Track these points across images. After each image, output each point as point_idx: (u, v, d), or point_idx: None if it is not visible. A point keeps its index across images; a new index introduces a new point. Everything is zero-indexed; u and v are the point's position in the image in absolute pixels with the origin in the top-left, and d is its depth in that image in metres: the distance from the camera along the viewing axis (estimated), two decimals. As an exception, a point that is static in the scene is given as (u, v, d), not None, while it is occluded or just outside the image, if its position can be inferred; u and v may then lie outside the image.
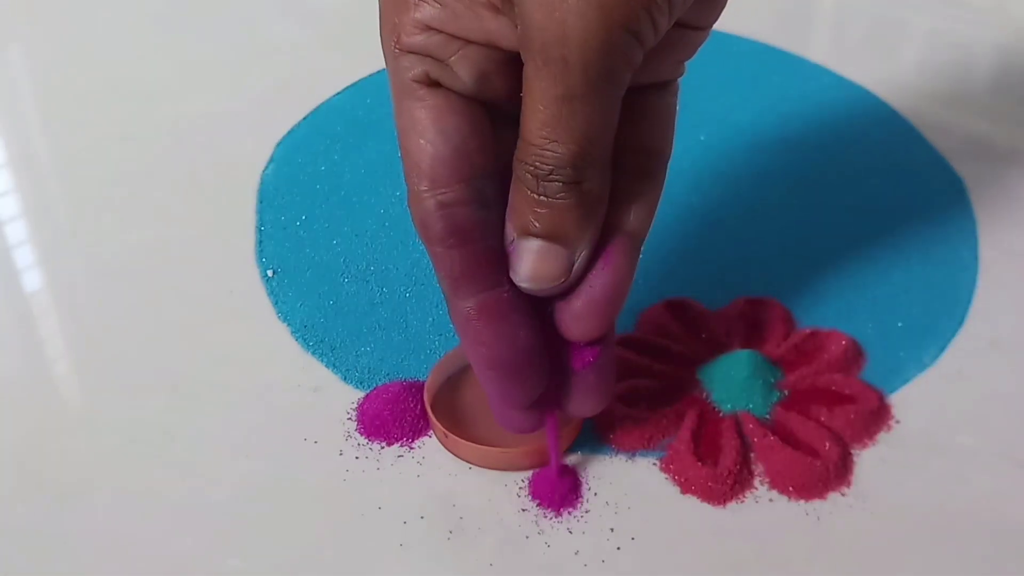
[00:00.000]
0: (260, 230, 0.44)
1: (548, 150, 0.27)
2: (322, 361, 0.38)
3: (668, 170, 0.31)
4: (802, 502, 0.34)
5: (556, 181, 0.27)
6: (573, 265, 0.29)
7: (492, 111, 0.29)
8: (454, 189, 0.28)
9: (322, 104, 0.51)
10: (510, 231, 0.29)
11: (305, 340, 0.39)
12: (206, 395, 0.37)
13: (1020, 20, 0.58)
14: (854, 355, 0.38)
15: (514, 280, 0.29)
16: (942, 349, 0.39)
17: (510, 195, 0.29)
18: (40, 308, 0.41)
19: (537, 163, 0.27)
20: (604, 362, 0.31)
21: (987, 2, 0.60)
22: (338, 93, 0.52)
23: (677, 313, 0.40)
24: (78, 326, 0.40)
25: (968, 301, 0.41)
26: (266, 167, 0.47)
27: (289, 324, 0.40)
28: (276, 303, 0.41)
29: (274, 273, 0.42)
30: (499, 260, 0.29)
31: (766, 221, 0.45)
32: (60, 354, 0.40)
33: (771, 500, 0.34)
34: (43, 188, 0.47)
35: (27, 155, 0.49)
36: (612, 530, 0.33)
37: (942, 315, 0.40)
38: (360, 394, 0.37)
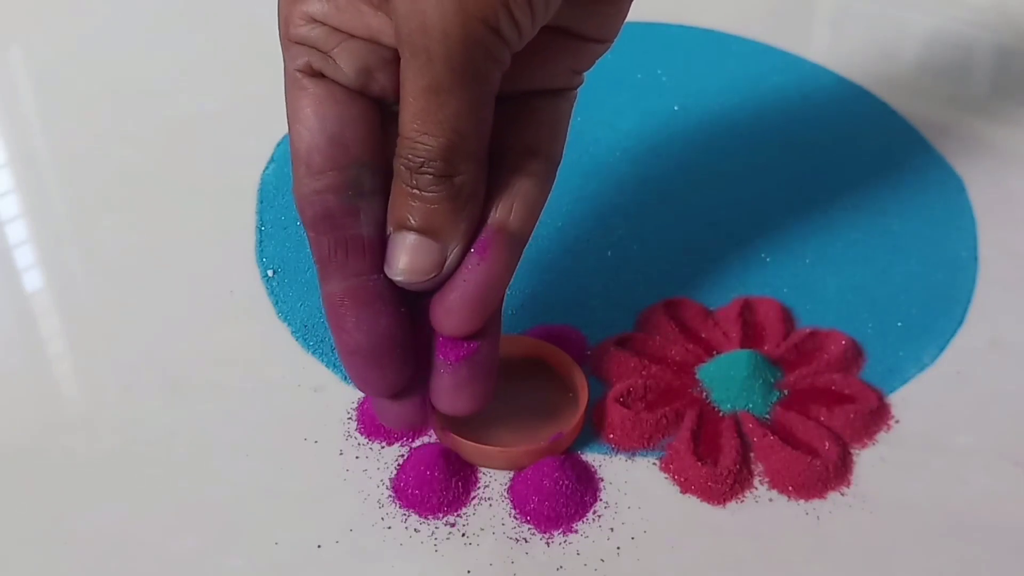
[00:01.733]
0: (260, 230, 0.44)
1: (419, 142, 0.28)
2: (322, 361, 0.38)
3: (556, 176, 0.32)
4: (802, 502, 0.34)
5: (427, 174, 0.28)
6: (446, 260, 0.30)
7: (384, 108, 0.30)
8: (328, 176, 0.29)
9: (322, 104, 0.51)
10: (388, 224, 0.30)
11: (305, 340, 0.39)
12: (206, 395, 0.37)
13: (1019, 20, 0.58)
14: (854, 355, 0.38)
15: (388, 273, 0.30)
16: (941, 349, 0.39)
17: (391, 189, 0.30)
18: (41, 308, 0.41)
19: (410, 156, 0.28)
20: (480, 359, 0.31)
21: (987, 2, 0.60)
22: (338, 93, 0.52)
23: (676, 313, 0.40)
24: (79, 326, 0.40)
25: (967, 301, 0.41)
26: (267, 167, 0.47)
27: (289, 324, 0.40)
28: (276, 303, 0.41)
29: (274, 273, 0.42)
30: (371, 249, 0.30)
31: (766, 221, 0.45)
32: (60, 354, 0.40)
33: (771, 500, 0.34)
34: (44, 188, 0.47)
35: (28, 155, 0.49)
36: (612, 530, 0.33)
37: (941, 315, 0.41)
38: (360, 394, 0.37)
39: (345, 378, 0.38)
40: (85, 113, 0.51)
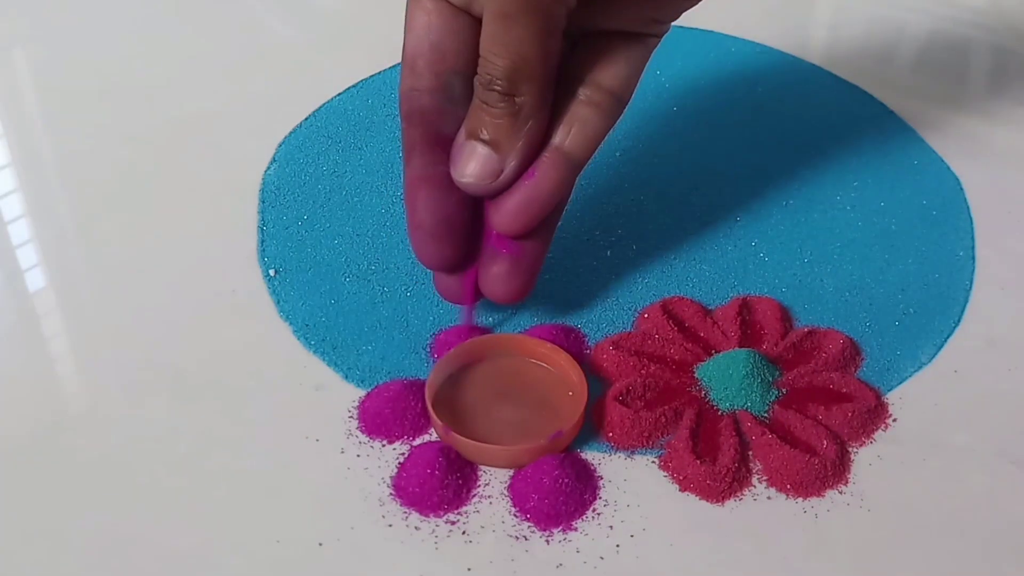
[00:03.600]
0: (262, 230, 0.44)
1: (490, 61, 0.32)
2: (324, 360, 0.38)
3: (623, 114, 0.35)
4: (800, 500, 0.34)
5: (494, 90, 0.32)
6: (503, 171, 0.33)
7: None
8: (426, 79, 0.34)
9: (324, 105, 0.51)
10: (460, 132, 0.34)
11: (307, 339, 0.39)
12: (208, 394, 0.37)
13: (1016, 21, 0.59)
14: (851, 354, 0.39)
15: (454, 176, 0.34)
16: (939, 348, 0.39)
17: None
18: (43, 307, 0.41)
19: (483, 72, 0.32)
20: (523, 258, 0.36)
21: (983, 3, 0.60)
22: (340, 94, 0.52)
23: (675, 312, 0.40)
24: (81, 325, 0.41)
25: (965, 300, 0.41)
26: (268, 167, 0.47)
27: (291, 323, 0.40)
28: (278, 302, 0.41)
29: (276, 272, 0.42)
30: (450, 145, 0.34)
31: (764, 221, 0.45)
32: (63, 353, 0.40)
33: (769, 498, 0.34)
34: (46, 188, 0.48)
35: (30, 155, 0.49)
36: (611, 528, 0.33)
37: (939, 314, 0.41)
38: (361, 393, 0.37)
39: (346, 376, 0.38)
40: (88, 113, 0.51)
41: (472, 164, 0.33)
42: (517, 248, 0.35)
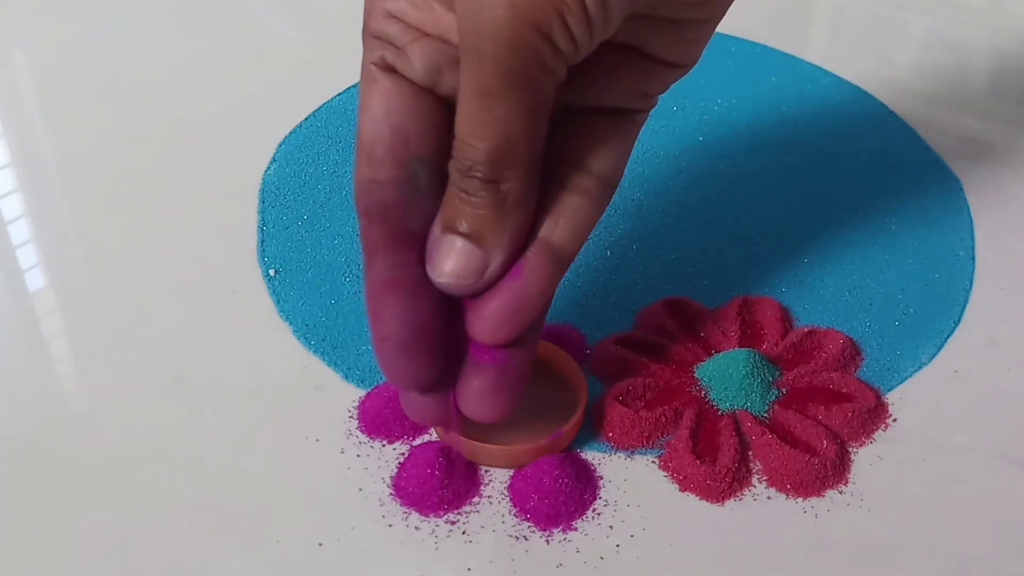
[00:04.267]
0: (262, 230, 0.44)
1: (469, 145, 0.28)
2: (324, 360, 0.38)
3: (613, 198, 0.31)
4: (800, 500, 0.34)
5: (475, 177, 0.28)
6: (487, 268, 0.29)
7: (451, 108, 0.29)
8: (387, 168, 0.29)
9: (324, 104, 0.51)
10: (435, 226, 0.30)
11: (307, 339, 0.39)
12: (208, 394, 0.37)
13: (1017, 21, 0.59)
14: (851, 354, 0.39)
15: (431, 275, 0.30)
16: (939, 348, 0.39)
17: (446, 190, 0.30)
18: (43, 307, 0.41)
19: (460, 157, 0.28)
20: (509, 369, 0.31)
21: (984, 3, 0.60)
22: (340, 93, 0.52)
23: (675, 312, 0.40)
24: (81, 325, 0.41)
25: (965, 300, 0.41)
26: (268, 167, 0.47)
27: (291, 323, 0.40)
28: (278, 302, 0.41)
29: (276, 272, 0.42)
30: (418, 243, 0.30)
31: (764, 221, 0.45)
32: (63, 353, 0.40)
33: (769, 498, 0.34)
34: (46, 188, 0.48)
35: (30, 155, 0.49)
36: (611, 527, 0.33)
37: (939, 314, 0.41)
38: (361, 392, 0.37)
39: (346, 376, 0.38)
40: (87, 113, 0.51)
41: (451, 261, 0.29)
42: (501, 357, 0.31)
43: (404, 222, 0.30)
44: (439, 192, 0.30)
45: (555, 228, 0.30)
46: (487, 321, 0.30)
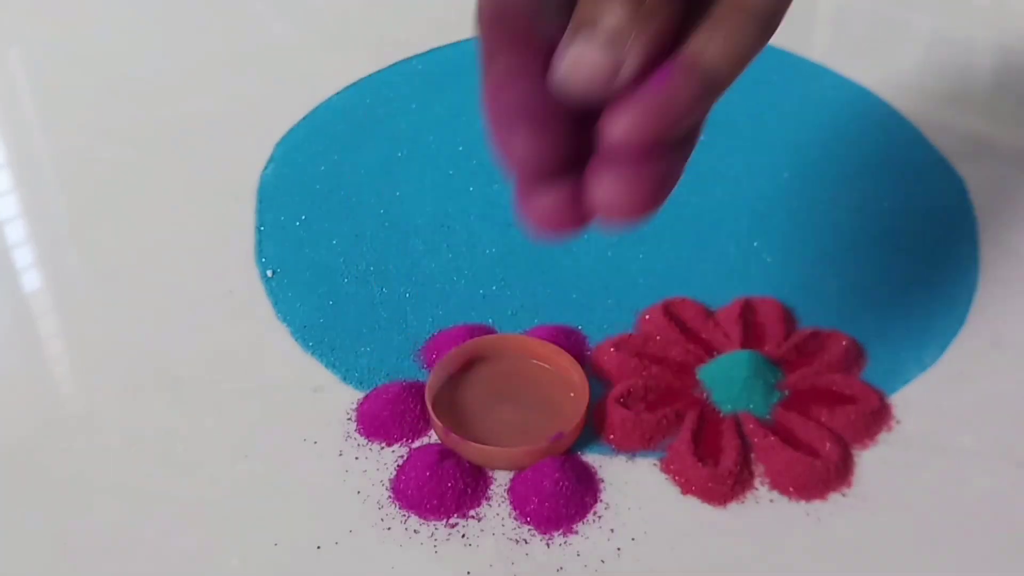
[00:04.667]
0: (260, 230, 0.44)
1: None
2: (322, 361, 0.38)
3: (775, 31, 0.28)
4: (802, 502, 0.34)
5: None
6: (619, 70, 0.26)
7: None
8: None
9: (322, 104, 0.51)
10: (569, 27, 0.27)
11: (305, 340, 0.39)
12: (206, 395, 0.37)
13: (1021, 20, 0.58)
14: (855, 355, 0.38)
15: (556, 76, 0.27)
16: (943, 349, 0.39)
17: None
18: (40, 308, 0.41)
19: None
20: (647, 166, 0.28)
21: (988, 2, 0.60)
22: (338, 93, 0.52)
23: (677, 313, 0.40)
24: (77, 326, 0.40)
25: (969, 301, 0.41)
26: (266, 167, 0.47)
27: (289, 324, 0.40)
28: (276, 303, 0.41)
29: (274, 273, 0.42)
30: (542, 51, 0.27)
31: (766, 221, 0.45)
32: (59, 354, 0.40)
33: (771, 500, 0.34)
34: (43, 188, 0.47)
35: (27, 155, 0.49)
36: (612, 531, 0.33)
37: (943, 315, 0.40)
38: (360, 394, 0.37)
39: (345, 378, 0.37)
40: (84, 113, 0.51)
41: (583, 59, 0.26)
42: (639, 158, 0.28)
43: (530, 31, 0.27)
44: (568, 13, 0.27)
45: (708, 44, 0.27)
46: (623, 121, 0.27)
